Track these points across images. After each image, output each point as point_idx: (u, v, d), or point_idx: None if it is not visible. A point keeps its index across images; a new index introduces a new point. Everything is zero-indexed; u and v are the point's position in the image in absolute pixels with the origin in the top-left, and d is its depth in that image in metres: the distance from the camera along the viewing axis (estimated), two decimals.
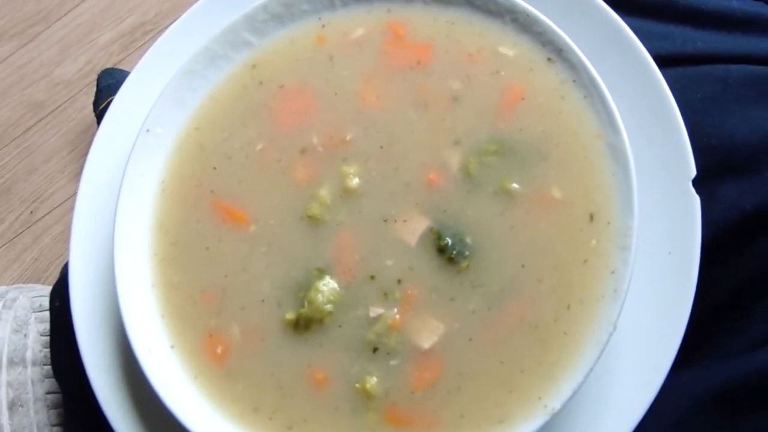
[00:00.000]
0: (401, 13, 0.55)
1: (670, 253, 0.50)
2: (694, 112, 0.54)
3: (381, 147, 0.52)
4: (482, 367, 0.47)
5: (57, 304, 0.67)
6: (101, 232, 0.57)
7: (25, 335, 0.79)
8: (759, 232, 0.53)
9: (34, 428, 0.78)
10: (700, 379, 0.52)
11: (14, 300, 0.84)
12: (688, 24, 0.60)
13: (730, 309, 0.54)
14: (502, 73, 0.52)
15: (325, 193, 0.51)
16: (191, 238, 0.53)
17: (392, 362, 0.48)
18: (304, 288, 0.50)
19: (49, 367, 0.78)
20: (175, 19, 0.62)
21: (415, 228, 0.50)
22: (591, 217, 0.48)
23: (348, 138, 0.52)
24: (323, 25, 0.56)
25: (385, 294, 0.49)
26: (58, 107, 1.54)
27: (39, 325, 0.81)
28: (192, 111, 0.55)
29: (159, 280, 0.52)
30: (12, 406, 0.76)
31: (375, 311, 0.49)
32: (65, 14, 1.60)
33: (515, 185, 0.49)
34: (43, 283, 1.42)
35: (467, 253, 0.48)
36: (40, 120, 1.54)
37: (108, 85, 1.41)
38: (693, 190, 0.50)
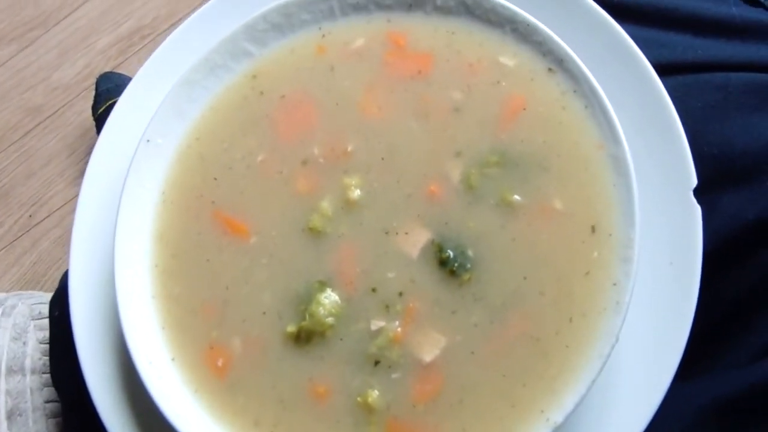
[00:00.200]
0: (401, 23, 0.55)
1: (671, 263, 0.50)
2: (694, 120, 0.54)
3: (382, 158, 0.52)
4: (484, 381, 0.47)
5: (56, 313, 0.66)
6: (101, 242, 0.57)
7: (24, 343, 0.78)
8: (761, 242, 0.53)
9: None
10: (703, 391, 0.52)
11: (13, 307, 0.84)
12: (688, 32, 0.60)
13: (732, 320, 0.54)
14: (503, 84, 0.52)
15: (326, 204, 0.51)
16: (192, 249, 0.53)
17: (394, 375, 0.48)
18: (305, 300, 0.49)
19: (48, 375, 0.77)
20: (173, 24, 0.61)
21: (416, 240, 0.49)
22: (593, 229, 0.48)
23: (349, 149, 0.52)
24: (323, 35, 0.55)
25: (387, 307, 0.49)
26: (56, 111, 1.54)
27: (38, 333, 0.81)
28: (192, 121, 0.55)
29: (159, 291, 0.52)
30: (11, 415, 0.76)
31: (376, 324, 0.48)
32: (63, 18, 1.60)
33: (516, 197, 0.49)
34: (41, 287, 1.42)
35: (469, 265, 0.48)
36: (39, 124, 1.54)
37: (106, 89, 1.41)
38: (694, 200, 0.50)
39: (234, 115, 0.55)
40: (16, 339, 0.78)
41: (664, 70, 0.53)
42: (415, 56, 0.54)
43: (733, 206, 0.54)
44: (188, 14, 1.53)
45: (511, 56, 0.52)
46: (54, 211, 1.48)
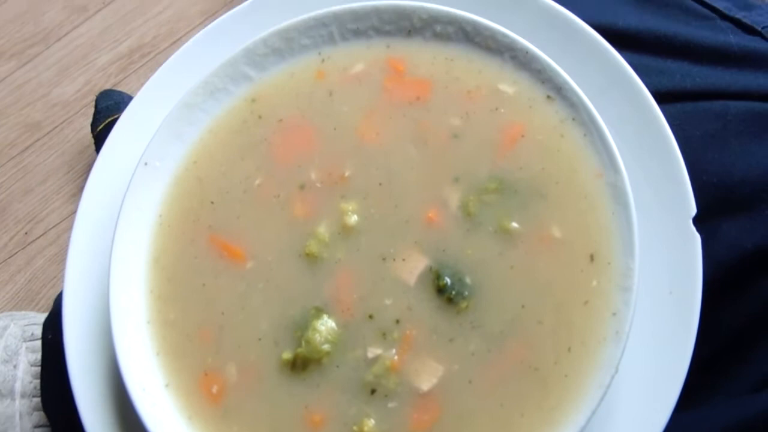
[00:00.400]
0: (401, 49, 0.55)
1: (671, 292, 0.50)
2: (693, 149, 0.54)
3: (380, 184, 0.51)
4: (482, 410, 0.46)
5: (50, 336, 0.66)
6: (97, 265, 0.56)
7: (14, 366, 0.78)
8: (760, 271, 0.53)
9: None
10: (704, 421, 0.51)
11: (5, 328, 0.83)
12: (686, 60, 0.60)
13: (732, 349, 0.54)
14: (502, 111, 0.52)
15: (323, 230, 0.51)
16: (188, 274, 0.52)
17: (390, 404, 0.47)
18: (301, 327, 0.49)
19: (39, 399, 0.76)
20: (173, 42, 0.62)
21: (414, 267, 0.49)
22: (591, 258, 0.48)
23: (347, 174, 0.52)
24: (323, 60, 0.56)
25: (384, 334, 0.48)
26: (55, 128, 1.54)
27: (30, 355, 0.80)
28: (191, 144, 0.55)
29: (154, 316, 0.52)
30: None
31: (373, 352, 0.48)
32: (64, 35, 1.60)
33: (515, 224, 0.49)
34: (35, 306, 1.41)
35: (467, 293, 0.48)
36: (37, 140, 1.54)
37: (106, 106, 1.41)
38: (694, 229, 0.50)
39: (232, 138, 0.55)
40: (6, 361, 0.78)
41: (662, 98, 0.53)
42: (414, 82, 0.54)
43: (733, 235, 0.54)
44: (188, 33, 1.54)
45: (509, 83, 0.53)
46: (50, 229, 1.48)
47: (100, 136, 1.39)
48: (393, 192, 0.51)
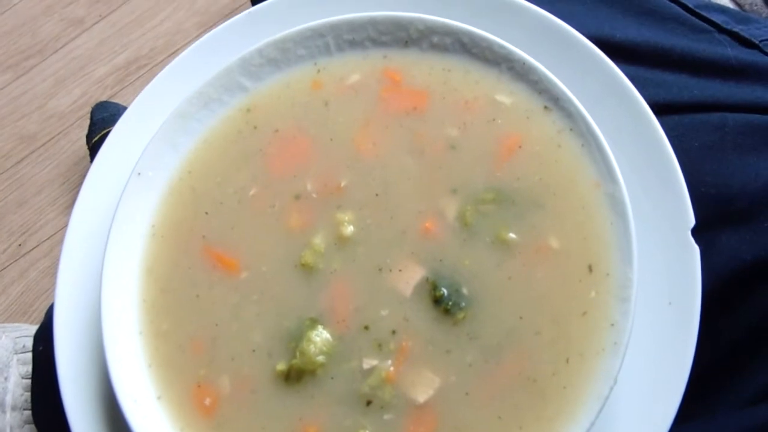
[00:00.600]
0: (397, 60, 0.54)
1: (670, 303, 0.49)
2: (691, 160, 0.54)
3: (376, 194, 0.51)
4: (479, 422, 0.46)
5: (41, 347, 0.65)
6: (89, 276, 0.56)
7: (5, 378, 0.76)
8: (759, 282, 0.53)
9: None
10: None
11: None
12: (684, 72, 0.60)
13: (731, 360, 0.53)
14: (499, 121, 0.52)
15: (318, 240, 0.50)
16: (181, 284, 0.52)
17: (386, 416, 0.46)
18: (296, 338, 0.48)
19: (30, 412, 0.75)
20: (170, 55, 0.62)
21: (410, 277, 0.49)
22: (590, 268, 0.47)
23: (343, 185, 0.52)
24: (319, 70, 0.55)
25: (380, 345, 0.48)
26: (50, 139, 1.54)
27: (21, 368, 0.79)
28: (185, 154, 0.55)
29: (147, 327, 0.51)
30: None
31: (369, 363, 0.47)
32: (61, 47, 1.61)
33: (512, 235, 0.49)
34: (28, 318, 1.40)
35: (463, 304, 0.48)
36: (32, 152, 1.54)
37: (102, 118, 1.41)
38: (692, 240, 0.50)
39: (227, 148, 0.55)
40: None
41: (660, 109, 0.53)
42: (411, 93, 0.54)
43: (731, 246, 0.53)
44: (185, 46, 1.54)
45: (507, 94, 0.52)
46: (44, 241, 1.47)
47: (95, 148, 1.39)
48: (389, 202, 0.51)
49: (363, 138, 0.53)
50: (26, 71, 1.60)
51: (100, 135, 1.38)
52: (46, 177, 1.52)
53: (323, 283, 0.50)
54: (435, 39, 0.54)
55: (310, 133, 0.54)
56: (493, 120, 0.52)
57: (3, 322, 1.30)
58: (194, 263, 0.52)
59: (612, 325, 0.45)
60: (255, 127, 0.55)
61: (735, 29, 0.62)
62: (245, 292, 0.50)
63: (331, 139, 0.53)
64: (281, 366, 0.48)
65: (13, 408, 0.76)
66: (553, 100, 0.51)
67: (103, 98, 1.55)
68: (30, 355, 0.81)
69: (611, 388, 0.44)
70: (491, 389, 0.46)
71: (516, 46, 0.52)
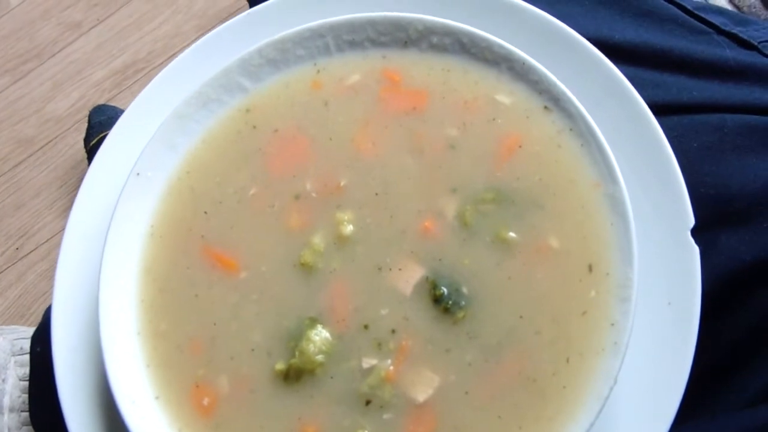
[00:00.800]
0: (397, 60, 0.55)
1: (669, 303, 0.49)
2: (691, 161, 0.54)
3: (376, 194, 0.51)
4: (479, 422, 0.45)
5: (38, 349, 0.65)
6: (87, 276, 0.56)
7: (3, 380, 0.76)
8: (759, 283, 0.52)
9: None
10: None
11: None
12: (683, 73, 0.60)
13: (730, 361, 0.53)
14: (499, 121, 0.52)
15: (318, 240, 0.50)
16: (180, 284, 0.51)
17: (385, 416, 0.46)
18: (295, 337, 0.48)
19: (27, 413, 0.75)
20: (168, 58, 0.61)
21: (410, 277, 0.49)
22: (590, 268, 0.47)
23: (342, 184, 0.52)
24: (318, 71, 0.55)
25: (379, 344, 0.47)
26: (48, 143, 1.54)
27: (19, 369, 0.78)
28: (184, 155, 0.55)
29: (145, 327, 0.51)
30: None
31: (368, 362, 0.47)
32: (59, 51, 1.60)
33: (512, 234, 0.49)
34: (26, 322, 1.40)
35: (463, 303, 0.47)
36: (30, 155, 1.54)
37: (99, 121, 1.41)
38: (692, 241, 0.50)
39: (226, 148, 0.55)
40: None
41: (659, 110, 0.53)
42: (410, 93, 0.54)
43: (731, 247, 0.53)
44: (183, 49, 1.54)
45: (507, 94, 0.52)
46: (41, 244, 1.47)
47: (93, 151, 1.38)
48: (389, 202, 0.51)
49: (362, 138, 0.53)
50: (24, 75, 1.60)
51: (97, 138, 1.38)
52: (44, 180, 1.52)
53: (323, 283, 0.49)
54: (434, 39, 0.54)
55: (310, 133, 0.54)
56: (493, 120, 0.52)
57: (0, 325, 1.30)
58: (193, 263, 0.52)
59: (612, 324, 0.45)
60: (254, 127, 0.55)
61: (734, 31, 0.62)
62: (244, 291, 0.50)
63: (331, 139, 0.53)
64: (280, 365, 0.48)
65: (11, 410, 0.75)
66: (553, 100, 0.51)
67: (101, 102, 1.55)
68: (27, 357, 0.80)
69: (611, 388, 0.44)
70: (491, 389, 0.46)
71: (515, 47, 0.52)
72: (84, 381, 0.54)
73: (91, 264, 0.55)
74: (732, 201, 0.54)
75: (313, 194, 0.52)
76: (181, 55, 0.61)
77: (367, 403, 0.47)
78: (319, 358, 0.47)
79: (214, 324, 0.50)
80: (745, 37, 0.61)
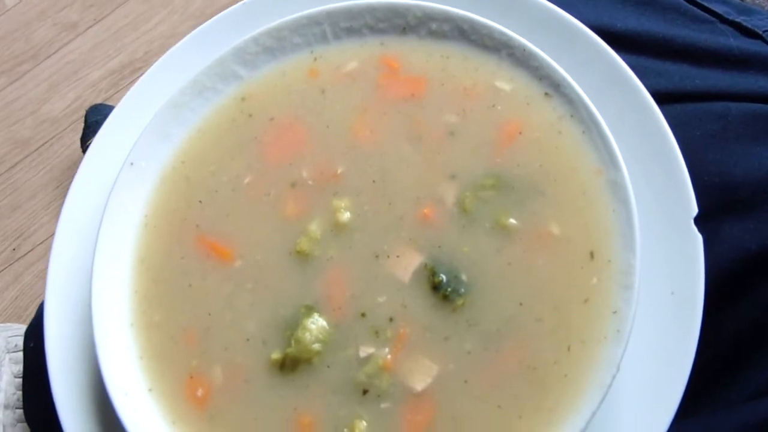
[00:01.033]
0: (395, 47, 0.54)
1: (672, 293, 0.48)
2: (694, 149, 0.53)
3: (374, 181, 0.50)
4: (478, 412, 0.44)
5: (31, 344, 0.64)
6: (80, 269, 0.55)
7: None
8: (763, 273, 0.52)
9: None
10: (706, 428, 0.49)
11: None
12: (686, 62, 0.59)
13: (733, 353, 0.52)
14: (499, 108, 0.51)
15: (315, 227, 0.49)
16: (174, 274, 0.50)
17: (383, 405, 0.45)
18: (291, 326, 0.47)
19: (22, 410, 0.74)
20: None
21: (408, 264, 0.48)
22: (591, 255, 0.46)
23: (340, 172, 0.51)
24: (315, 59, 0.55)
25: (377, 332, 0.46)
26: (44, 144, 1.53)
27: (14, 367, 0.77)
28: (178, 144, 0.54)
29: (138, 319, 0.50)
30: None
31: (365, 351, 0.46)
32: (55, 52, 1.60)
33: (512, 221, 0.48)
34: (23, 322, 1.39)
35: (462, 290, 0.46)
36: (26, 156, 1.53)
37: (96, 121, 1.40)
38: (695, 229, 0.49)
39: (222, 137, 0.54)
40: None
41: (662, 98, 0.53)
42: (409, 80, 0.53)
43: (735, 236, 0.52)
44: None
45: (506, 81, 0.52)
46: (38, 245, 1.46)
47: None
48: (387, 189, 0.50)
49: (360, 125, 0.52)
50: (20, 76, 1.60)
51: (94, 138, 1.37)
52: (40, 181, 1.51)
53: (319, 270, 0.48)
54: (433, 26, 0.53)
55: (307, 121, 0.53)
56: (493, 106, 0.51)
57: None
58: (187, 253, 0.51)
59: (614, 312, 0.44)
60: (250, 116, 0.54)
61: (737, 20, 0.61)
62: (239, 280, 0.49)
63: (328, 127, 0.52)
64: (276, 355, 0.47)
65: (6, 406, 0.74)
66: (554, 86, 0.50)
67: (98, 102, 1.54)
68: (21, 354, 0.79)
69: (613, 377, 0.43)
70: (490, 377, 0.45)
71: (516, 34, 0.51)
72: (77, 375, 0.53)
73: (83, 258, 0.54)
74: (736, 189, 0.53)
75: (310, 182, 0.51)
76: (175, 47, 0.60)
77: (365, 392, 0.46)
78: (316, 346, 0.46)
79: (209, 314, 0.49)
80: (749, 26, 0.61)
